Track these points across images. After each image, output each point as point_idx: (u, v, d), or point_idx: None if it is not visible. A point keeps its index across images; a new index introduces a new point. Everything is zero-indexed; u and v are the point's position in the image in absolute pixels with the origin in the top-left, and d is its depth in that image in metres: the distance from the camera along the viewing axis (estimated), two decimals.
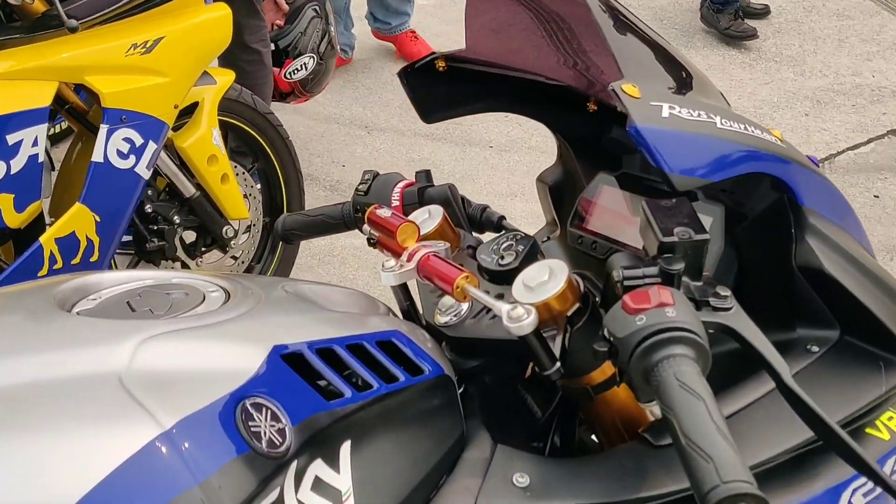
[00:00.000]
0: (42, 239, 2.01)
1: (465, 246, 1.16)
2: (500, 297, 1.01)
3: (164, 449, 0.69)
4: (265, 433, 0.75)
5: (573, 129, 1.30)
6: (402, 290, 1.08)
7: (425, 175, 1.29)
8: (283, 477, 0.75)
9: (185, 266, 2.46)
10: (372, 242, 1.19)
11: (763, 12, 4.78)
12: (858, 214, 1.16)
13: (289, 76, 3.13)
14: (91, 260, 2.06)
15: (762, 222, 1.06)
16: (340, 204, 1.35)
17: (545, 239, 1.36)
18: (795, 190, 1.01)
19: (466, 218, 1.26)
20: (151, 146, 2.10)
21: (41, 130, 1.94)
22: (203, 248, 2.48)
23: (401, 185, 1.28)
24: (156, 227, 2.34)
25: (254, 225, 2.61)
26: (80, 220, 2.04)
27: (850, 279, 1.01)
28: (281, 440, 0.76)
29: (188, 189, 2.34)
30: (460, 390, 1.01)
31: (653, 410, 0.94)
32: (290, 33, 3.13)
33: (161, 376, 0.75)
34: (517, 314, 0.88)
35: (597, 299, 0.97)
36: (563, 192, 1.37)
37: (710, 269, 0.93)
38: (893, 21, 4.97)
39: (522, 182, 3.60)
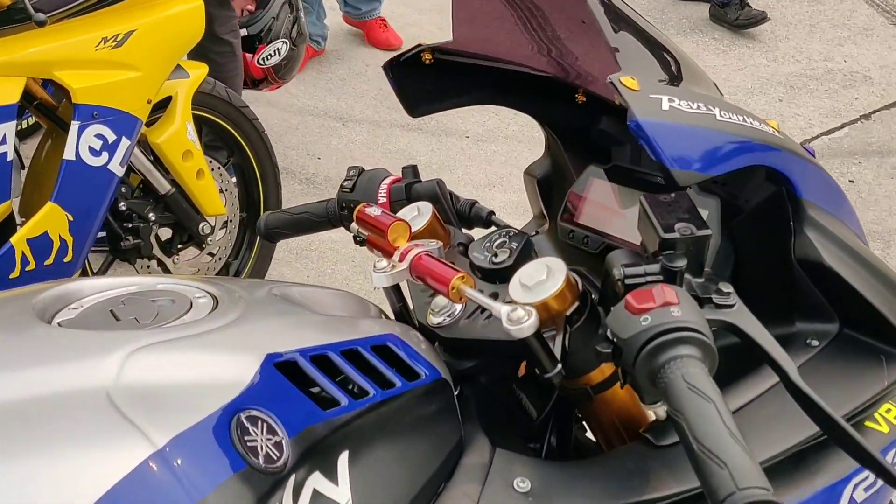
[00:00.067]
0: (13, 240, 1.95)
1: (455, 243, 1.13)
2: (494, 296, 0.98)
3: (157, 469, 0.65)
4: (262, 447, 0.72)
5: (561, 120, 1.28)
6: (395, 291, 1.05)
7: (412, 171, 1.26)
8: (282, 492, 0.72)
9: (161, 264, 2.41)
10: (359, 241, 1.16)
11: None
12: None
13: (262, 62, 3.08)
14: (65, 260, 2.01)
15: (759, 215, 1.04)
16: (325, 201, 1.32)
17: (534, 233, 1.33)
18: (794, 182, 0.99)
19: (455, 214, 1.24)
20: (125, 142, 2.05)
21: (9, 128, 1.88)
22: (179, 246, 2.43)
23: (387, 181, 1.25)
24: (130, 225, 2.29)
25: (230, 221, 2.57)
26: (52, 219, 1.98)
27: (850, 272, 0.99)
28: (278, 454, 0.73)
29: (163, 185, 2.29)
30: (456, 392, 0.99)
31: (655, 411, 0.92)
32: (262, 18, 3.08)
33: (151, 391, 0.71)
34: (517, 316, 0.86)
35: (594, 297, 0.95)
36: (551, 186, 1.34)
37: (707, 264, 0.91)
38: (863, 6, 5.00)
39: (500, 172, 3.58)
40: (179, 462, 0.66)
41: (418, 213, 1.11)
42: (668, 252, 0.86)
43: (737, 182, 1.08)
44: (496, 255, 1.04)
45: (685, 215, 0.88)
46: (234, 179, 2.60)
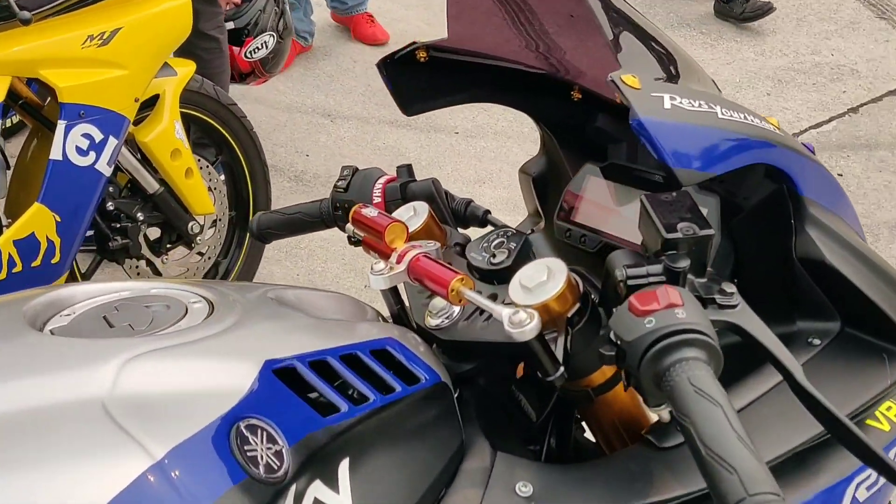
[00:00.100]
0: None
1: (452, 243, 1.11)
2: (493, 297, 0.97)
3: (156, 482, 0.64)
4: (262, 457, 0.70)
5: (557, 118, 1.27)
6: (392, 293, 1.04)
7: (407, 170, 1.25)
8: (283, 502, 0.70)
9: (150, 264, 2.39)
10: (353, 241, 1.14)
11: None
12: None
13: (249, 55, 3.05)
14: (52, 262, 1.99)
15: (759, 213, 1.03)
16: (318, 201, 1.30)
17: (529, 231, 1.32)
18: (795, 180, 0.98)
19: (451, 213, 1.22)
20: (112, 142, 2.02)
21: None
22: (168, 245, 2.41)
23: (382, 180, 1.23)
24: (118, 225, 2.27)
25: (219, 220, 2.54)
26: (39, 220, 1.96)
27: (853, 270, 0.98)
28: (279, 463, 0.71)
29: (151, 185, 2.26)
30: (455, 395, 0.97)
31: (659, 414, 0.91)
32: (248, 11, 3.05)
33: (148, 401, 0.69)
34: (519, 319, 0.84)
35: (594, 298, 0.94)
36: (546, 184, 1.33)
37: (707, 263, 0.90)
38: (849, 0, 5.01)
39: (490, 168, 3.56)
40: (179, 474, 0.65)
41: (414, 214, 1.10)
42: (670, 252, 0.85)
43: (734, 179, 1.07)
44: (494, 256, 1.02)
45: (687, 214, 0.87)
46: (222, 177, 2.57)
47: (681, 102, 0.89)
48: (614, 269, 0.87)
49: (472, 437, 0.94)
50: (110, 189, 2.21)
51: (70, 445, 0.65)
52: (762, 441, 0.93)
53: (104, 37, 1.98)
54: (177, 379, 0.73)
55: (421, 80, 1.20)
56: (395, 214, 1.09)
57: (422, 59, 1.18)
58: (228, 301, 0.88)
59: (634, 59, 1.06)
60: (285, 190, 3.29)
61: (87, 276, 2.34)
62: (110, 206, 2.24)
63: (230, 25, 2.98)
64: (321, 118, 3.78)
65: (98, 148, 2.00)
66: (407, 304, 1.07)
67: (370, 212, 1.03)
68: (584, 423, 1.10)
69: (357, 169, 1.27)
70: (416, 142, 3.66)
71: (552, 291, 0.88)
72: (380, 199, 1.22)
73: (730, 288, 0.85)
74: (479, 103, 1.30)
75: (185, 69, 2.26)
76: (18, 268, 1.94)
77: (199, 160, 2.39)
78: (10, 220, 2.03)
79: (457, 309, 1.01)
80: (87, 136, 1.98)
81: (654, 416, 1.00)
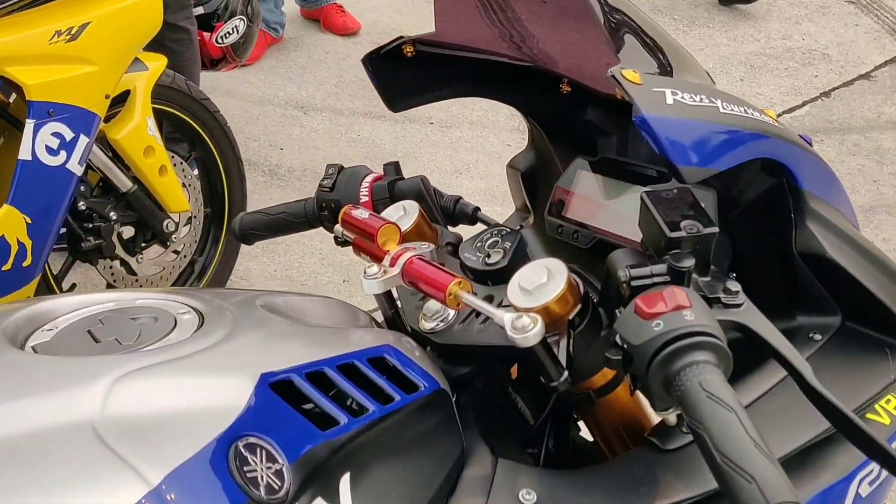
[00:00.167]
0: None
1: (443, 243, 1.09)
2: (489, 299, 0.94)
3: None
4: (262, 477, 0.67)
5: (546, 111, 1.24)
6: (386, 297, 1.01)
7: (394, 167, 1.21)
8: None
9: (124, 264, 2.33)
10: (340, 242, 1.11)
11: None
12: None
13: (220, 41, 2.97)
14: (24, 265, 1.93)
15: (758, 207, 1.02)
16: (302, 200, 1.27)
17: (518, 227, 1.30)
18: (795, 173, 0.96)
19: (440, 211, 1.19)
20: (83, 140, 1.97)
21: None
22: (143, 244, 2.35)
23: (369, 179, 1.20)
24: (91, 225, 2.21)
25: (194, 217, 2.49)
26: (9, 222, 1.90)
27: (853, 263, 0.97)
28: (279, 483, 0.68)
29: (124, 183, 2.21)
30: (453, 399, 0.95)
31: (667, 418, 0.89)
32: None
33: (140, 422, 0.66)
34: (523, 324, 0.82)
35: (594, 298, 0.91)
36: (535, 178, 1.30)
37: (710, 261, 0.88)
38: None
39: (466, 159, 3.53)
40: (176, 500, 0.62)
41: (405, 213, 1.07)
42: (674, 251, 0.83)
43: (731, 173, 1.05)
44: (489, 256, 1.00)
45: (690, 212, 0.85)
46: (196, 173, 2.52)
47: (682, 97, 0.87)
48: (617, 270, 0.85)
49: (471, 444, 0.91)
50: (82, 188, 2.15)
51: (61, 473, 0.61)
52: (768, 440, 0.92)
53: (72, 32, 1.92)
54: (170, 398, 0.69)
55: (407, 75, 1.17)
56: (385, 214, 1.06)
57: (409, 54, 1.15)
58: (218, 311, 0.84)
59: (626, 51, 1.03)
60: (260, 184, 3.24)
61: (59, 278, 2.28)
62: (82, 205, 2.18)
63: (199, 11, 2.90)
64: (294, 111, 3.72)
65: (68, 147, 1.95)
66: (399, 306, 1.04)
67: (361, 213, 0.99)
68: (583, 425, 1.08)
69: (342, 167, 1.23)
70: (391, 133, 3.62)
71: (553, 293, 0.86)
72: (367, 199, 1.18)
73: (734, 286, 0.83)
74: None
75: (157, 63, 2.20)
76: None
77: (172, 156, 2.33)
78: None
79: (452, 311, 0.99)
80: (56, 134, 1.92)
81: (655, 417, 0.98)
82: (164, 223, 2.33)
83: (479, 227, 1.12)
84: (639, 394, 0.91)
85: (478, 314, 0.96)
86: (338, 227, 1.06)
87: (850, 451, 0.96)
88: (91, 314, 0.83)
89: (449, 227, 1.16)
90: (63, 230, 2.15)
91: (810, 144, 1.04)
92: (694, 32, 4.53)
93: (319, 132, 3.61)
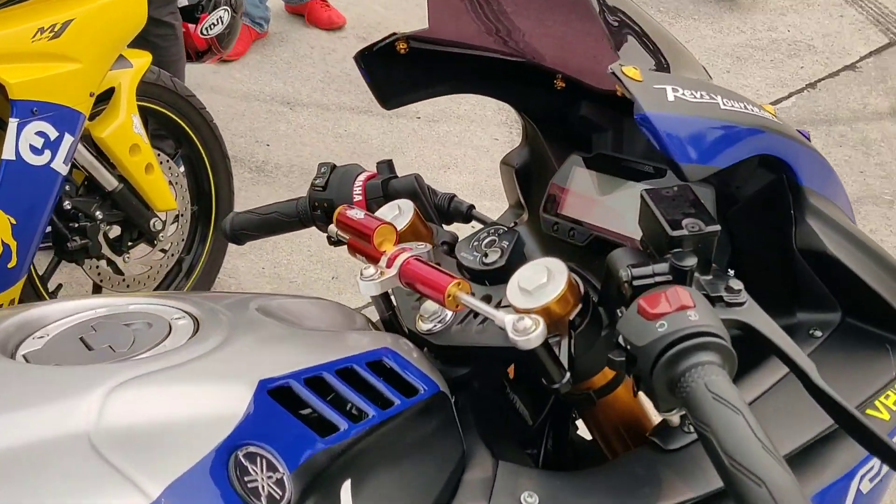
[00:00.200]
0: None
1: (439, 242, 1.07)
2: (487, 299, 0.93)
3: None
4: (263, 487, 0.66)
5: (540, 107, 1.23)
6: (383, 298, 0.99)
7: (387, 165, 1.20)
8: None
9: (110, 263, 2.31)
10: (334, 242, 1.09)
11: None
12: None
13: (205, 32, 2.94)
14: (9, 266, 1.90)
15: (757, 203, 1.01)
16: (294, 200, 1.25)
17: (512, 224, 1.28)
18: (795, 169, 0.95)
19: (435, 209, 1.18)
20: (68, 139, 1.94)
21: None
22: (129, 243, 2.33)
23: (362, 177, 1.19)
24: (77, 225, 2.18)
25: (181, 215, 2.47)
26: None
27: (854, 260, 0.96)
28: (281, 493, 0.67)
29: (110, 182, 2.18)
30: (452, 401, 0.93)
31: (671, 419, 0.88)
32: None
33: (137, 433, 0.64)
34: (524, 326, 0.80)
35: (593, 297, 0.90)
36: (530, 175, 1.29)
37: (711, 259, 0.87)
38: None
39: (454, 153, 3.52)
40: None
41: (399, 213, 1.05)
42: (676, 250, 0.82)
43: (728, 169, 1.04)
44: (486, 255, 0.99)
45: (691, 210, 0.84)
46: (182, 170, 2.49)
47: (683, 94, 0.85)
48: (618, 270, 0.83)
49: (471, 446, 0.90)
50: (67, 188, 2.13)
51: (57, 487, 0.60)
52: (772, 438, 0.91)
53: (55, 29, 1.89)
54: (167, 407, 0.67)
55: (400, 71, 1.15)
56: (379, 213, 1.04)
57: (402, 51, 1.13)
58: (212, 315, 0.82)
59: (623, 46, 1.02)
60: (247, 181, 3.22)
61: (45, 279, 2.25)
62: (67, 205, 2.15)
63: (183, 2, 2.87)
64: (280, 106, 3.70)
65: (53, 146, 1.92)
66: (396, 307, 1.03)
67: (356, 213, 0.98)
68: (582, 424, 1.07)
69: (335, 166, 1.21)
70: (378, 128, 3.60)
71: (553, 294, 0.84)
72: (361, 198, 1.17)
73: (737, 285, 0.82)
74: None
75: (141, 60, 2.18)
76: None
77: (158, 154, 2.31)
78: None
79: (449, 312, 0.97)
80: (41, 133, 1.89)
81: (656, 417, 0.97)
82: (151, 222, 2.31)
83: (474, 224, 1.11)
84: (640, 393, 0.91)
85: (476, 314, 0.94)
86: (332, 228, 1.04)
87: (851, 448, 0.95)
88: (83, 320, 0.81)
89: (443, 226, 1.15)
90: (48, 230, 2.12)
91: (808, 139, 1.03)
92: (680, 24, 4.53)
93: (305, 128, 3.58)
